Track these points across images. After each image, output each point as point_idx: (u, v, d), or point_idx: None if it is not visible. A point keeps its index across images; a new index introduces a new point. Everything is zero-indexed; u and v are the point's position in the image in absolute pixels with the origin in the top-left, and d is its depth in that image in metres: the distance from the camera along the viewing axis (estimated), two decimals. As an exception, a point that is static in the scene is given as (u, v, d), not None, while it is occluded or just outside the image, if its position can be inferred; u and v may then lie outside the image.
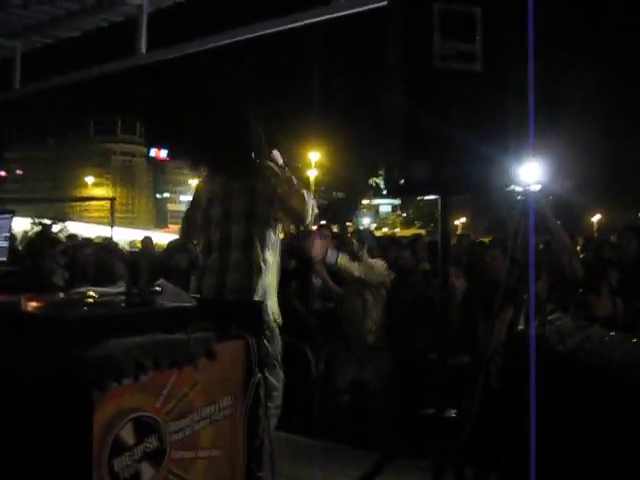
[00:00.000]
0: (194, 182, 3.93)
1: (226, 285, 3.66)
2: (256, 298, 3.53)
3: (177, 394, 2.36)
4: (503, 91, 3.33)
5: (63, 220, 12.85)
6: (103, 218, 29.56)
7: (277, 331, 3.66)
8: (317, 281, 6.30)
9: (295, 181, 3.64)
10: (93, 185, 40.70)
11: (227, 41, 6.17)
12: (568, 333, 3.25)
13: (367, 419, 4.92)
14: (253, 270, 3.65)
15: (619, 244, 7.27)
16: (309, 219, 3.69)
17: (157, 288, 2.60)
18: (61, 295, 2.66)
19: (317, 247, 5.91)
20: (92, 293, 2.55)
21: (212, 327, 2.54)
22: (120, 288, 2.67)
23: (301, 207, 3.60)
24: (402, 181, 3.22)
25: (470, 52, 3.22)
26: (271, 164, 3.71)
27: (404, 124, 3.28)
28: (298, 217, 3.68)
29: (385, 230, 55.33)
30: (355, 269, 5.77)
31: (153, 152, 41.12)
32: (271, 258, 3.75)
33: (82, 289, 2.64)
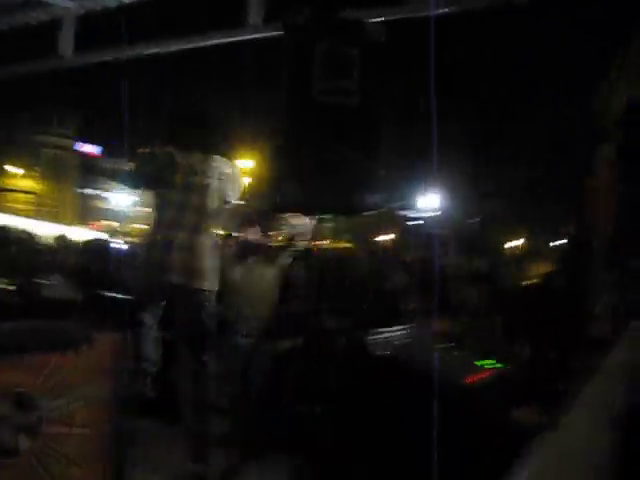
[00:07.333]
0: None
1: None
2: None
3: (57, 375, 2.65)
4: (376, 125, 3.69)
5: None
6: (30, 211, 29.09)
7: None
8: None
9: None
10: (21, 177, 39.83)
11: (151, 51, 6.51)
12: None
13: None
14: None
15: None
16: None
17: (49, 282, 2.91)
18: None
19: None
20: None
21: (94, 319, 2.86)
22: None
23: None
24: (278, 200, 3.59)
25: (348, 88, 3.58)
26: None
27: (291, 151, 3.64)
28: None
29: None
30: None
31: (78, 147, 40.07)
32: None
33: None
